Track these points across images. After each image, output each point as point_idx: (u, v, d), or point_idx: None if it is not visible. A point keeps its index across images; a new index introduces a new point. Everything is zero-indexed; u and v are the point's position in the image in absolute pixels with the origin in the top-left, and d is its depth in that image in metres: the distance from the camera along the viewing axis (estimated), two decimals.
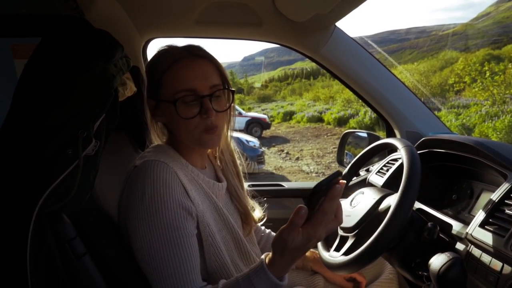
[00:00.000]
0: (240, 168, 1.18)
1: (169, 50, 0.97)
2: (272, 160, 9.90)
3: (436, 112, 1.65)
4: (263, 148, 8.24)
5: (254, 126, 13.76)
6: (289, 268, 0.83)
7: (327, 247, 1.09)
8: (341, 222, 0.83)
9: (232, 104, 1.03)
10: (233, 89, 1.02)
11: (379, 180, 1.24)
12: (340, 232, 1.04)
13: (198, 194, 0.95)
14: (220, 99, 0.97)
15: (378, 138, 1.67)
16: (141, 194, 0.85)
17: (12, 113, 0.69)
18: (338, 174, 0.79)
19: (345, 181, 0.78)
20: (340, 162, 1.84)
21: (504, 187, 0.91)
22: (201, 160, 1.06)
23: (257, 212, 1.22)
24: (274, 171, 8.78)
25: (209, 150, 1.15)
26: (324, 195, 0.78)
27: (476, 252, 0.87)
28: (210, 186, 1.02)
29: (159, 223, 0.84)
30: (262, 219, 1.24)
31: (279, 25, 1.46)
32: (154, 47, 1.76)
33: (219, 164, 1.15)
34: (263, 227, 1.33)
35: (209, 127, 0.94)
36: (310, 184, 1.81)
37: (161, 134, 1.07)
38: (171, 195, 0.85)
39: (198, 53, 0.96)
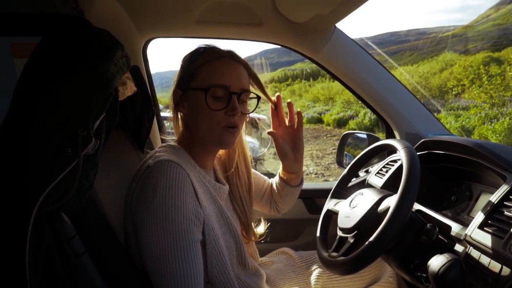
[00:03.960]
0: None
1: (213, 48, 1.02)
2: (272, 161, 9.89)
3: (435, 114, 1.65)
4: (262, 149, 8.24)
5: (253, 126, 13.75)
6: None
7: (326, 248, 1.09)
8: None
9: (252, 110, 1.06)
10: (259, 96, 1.06)
11: (379, 181, 1.24)
12: (339, 233, 1.04)
13: (205, 197, 0.96)
14: (246, 104, 1.02)
15: (378, 139, 1.67)
16: (152, 194, 0.84)
17: (11, 111, 0.69)
18: None
19: None
20: (340, 163, 1.84)
21: (503, 189, 0.91)
22: (210, 162, 1.07)
23: (261, 227, 1.23)
24: (273, 171, 8.79)
25: (219, 152, 1.16)
26: None
27: (475, 253, 0.87)
28: (216, 189, 1.02)
29: (168, 225, 0.83)
30: (263, 235, 1.25)
31: (279, 26, 1.46)
32: (154, 47, 1.77)
33: (226, 169, 1.15)
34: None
35: (231, 124, 0.96)
36: (309, 185, 1.81)
37: (178, 129, 1.08)
38: (182, 198, 0.85)
39: (238, 58, 1.02)
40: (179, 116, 1.06)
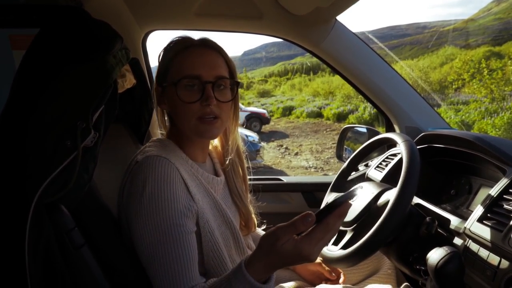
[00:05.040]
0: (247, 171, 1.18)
1: (183, 38, 0.99)
2: (271, 155, 9.90)
3: (435, 108, 1.65)
4: (262, 143, 8.25)
5: (253, 121, 13.76)
6: (269, 272, 0.75)
7: None
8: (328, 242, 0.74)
9: (236, 97, 1.02)
10: (238, 81, 1.01)
11: (378, 175, 1.24)
12: None
13: (198, 190, 0.95)
14: (225, 90, 0.97)
15: (378, 133, 1.67)
16: (141, 190, 0.84)
17: (10, 103, 0.69)
18: (354, 192, 0.78)
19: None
20: (339, 157, 1.84)
21: (502, 182, 0.91)
22: (201, 154, 1.05)
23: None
24: (273, 165, 8.80)
25: (213, 143, 1.15)
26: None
27: (473, 246, 0.88)
28: (209, 181, 1.02)
29: (159, 219, 0.83)
30: (259, 226, 1.25)
31: (279, 19, 1.45)
32: (154, 39, 1.76)
33: (222, 161, 1.15)
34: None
35: (207, 114, 0.92)
36: (309, 178, 1.81)
37: (164, 125, 1.07)
38: (172, 192, 0.85)
39: (209, 44, 0.98)
40: (164, 112, 1.05)
